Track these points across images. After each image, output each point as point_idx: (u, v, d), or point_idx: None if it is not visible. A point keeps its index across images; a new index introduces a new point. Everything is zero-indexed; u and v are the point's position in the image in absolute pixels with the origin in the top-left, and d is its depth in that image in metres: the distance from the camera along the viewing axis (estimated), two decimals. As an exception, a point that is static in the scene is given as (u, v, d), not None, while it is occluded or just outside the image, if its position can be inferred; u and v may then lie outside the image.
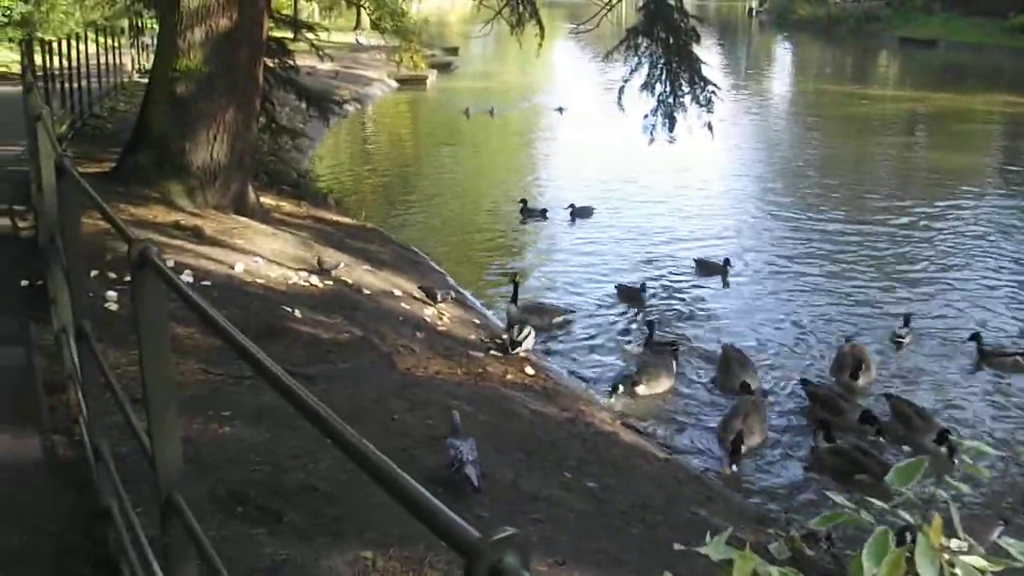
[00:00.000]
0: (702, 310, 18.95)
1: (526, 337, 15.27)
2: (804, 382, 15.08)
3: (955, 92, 54.62)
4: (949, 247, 23.76)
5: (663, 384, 15.25)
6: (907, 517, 4.35)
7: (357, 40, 27.76)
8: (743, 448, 13.44)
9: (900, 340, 17.51)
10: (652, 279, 20.54)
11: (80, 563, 5.94)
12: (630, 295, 19.48)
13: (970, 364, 16.83)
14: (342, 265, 15.96)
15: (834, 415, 13.94)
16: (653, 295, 19.58)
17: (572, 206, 26.18)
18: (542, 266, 22.22)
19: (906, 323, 17.72)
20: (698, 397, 15.21)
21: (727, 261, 21.27)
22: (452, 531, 1.95)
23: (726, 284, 20.71)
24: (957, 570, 3.99)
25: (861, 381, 15.04)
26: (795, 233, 24.82)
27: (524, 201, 26.12)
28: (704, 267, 21.45)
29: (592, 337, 17.57)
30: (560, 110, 44.54)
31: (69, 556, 6.02)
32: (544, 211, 25.91)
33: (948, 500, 4.40)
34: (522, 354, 15.06)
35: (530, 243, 24.16)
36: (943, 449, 13.17)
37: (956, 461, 4.89)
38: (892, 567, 3.85)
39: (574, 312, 18.57)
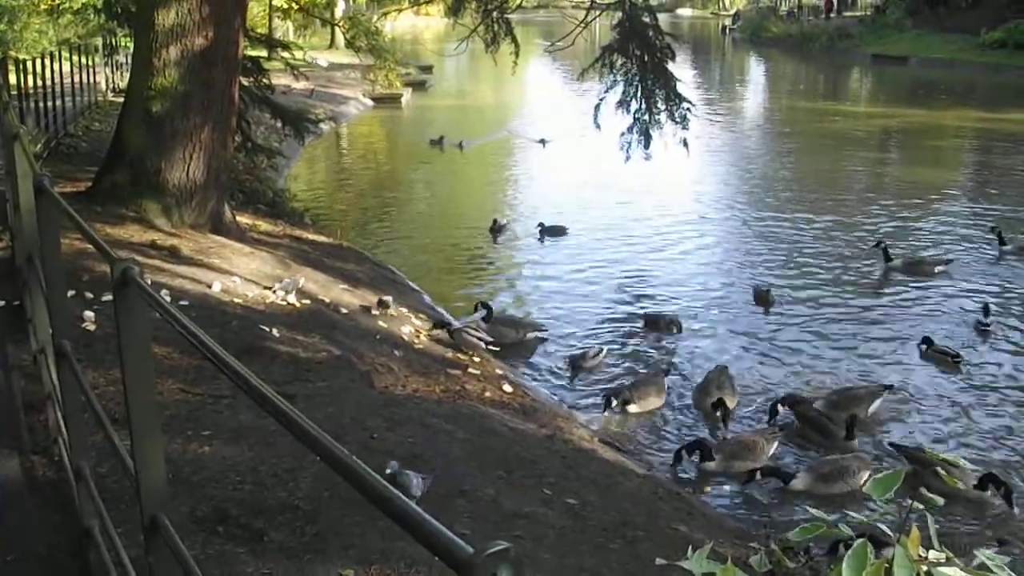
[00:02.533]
0: (693, 330, 18.88)
1: (468, 324, 15.41)
2: (792, 402, 14.86)
3: (927, 108, 54.80)
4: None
5: (653, 402, 15.28)
6: (885, 529, 4.38)
7: (313, 60, 27.33)
8: (728, 411, 14.15)
9: (986, 327, 18.37)
10: (628, 300, 20.65)
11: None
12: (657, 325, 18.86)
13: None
14: (301, 281, 15.94)
15: (823, 436, 13.97)
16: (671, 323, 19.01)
17: (541, 225, 26.04)
18: (515, 284, 22.26)
19: (987, 312, 18.40)
20: (682, 418, 15.19)
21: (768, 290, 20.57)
22: (445, 546, 1.96)
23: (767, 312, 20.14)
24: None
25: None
26: (772, 251, 24.82)
27: (495, 220, 25.96)
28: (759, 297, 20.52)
29: (569, 354, 17.56)
30: (543, 142, 40.47)
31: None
32: (505, 227, 25.87)
33: (926, 511, 4.43)
34: (466, 335, 15.18)
35: (505, 260, 24.12)
36: (855, 443, 13.68)
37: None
38: (872, 579, 3.88)
39: (546, 329, 18.57)
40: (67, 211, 5.40)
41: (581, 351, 17.10)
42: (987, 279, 22.30)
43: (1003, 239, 23.95)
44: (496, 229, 25.62)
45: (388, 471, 8.10)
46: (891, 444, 14.11)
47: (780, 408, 14.68)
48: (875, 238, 23.85)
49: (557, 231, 26.01)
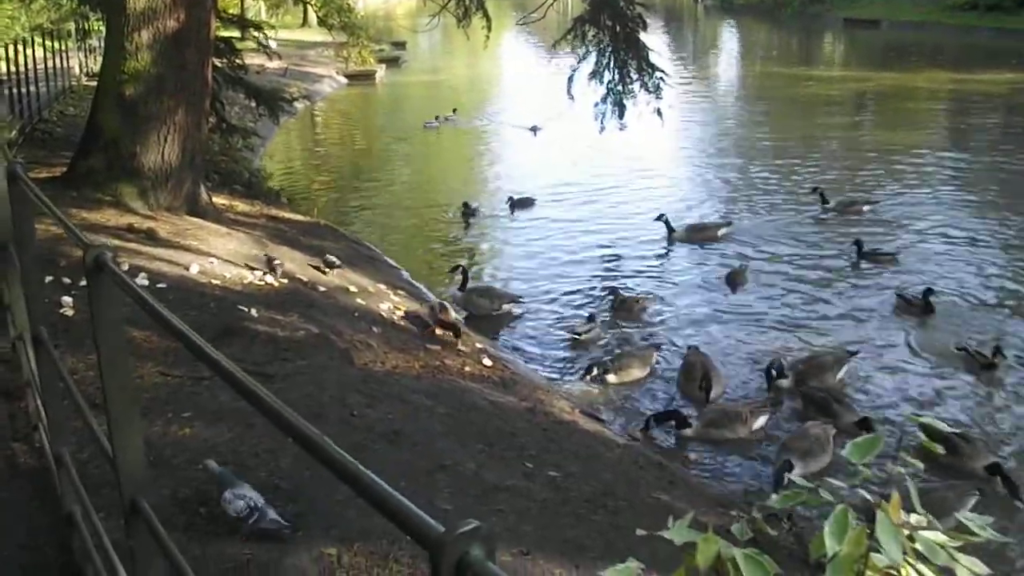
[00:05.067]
0: (669, 305, 18.90)
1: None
2: (798, 383, 14.73)
3: (899, 71, 54.93)
4: (904, 221, 24.07)
5: (634, 374, 15.30)
6: (865, 495, 4.40)
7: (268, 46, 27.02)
8: (712, 391, 14.16)
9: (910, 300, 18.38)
10: (601, 271, 20.88)
11: (49, 571, 5.94)
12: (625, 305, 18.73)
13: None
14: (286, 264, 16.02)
15: (825, 415, 13.89)
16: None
17: (511, 198, 26.27)
18: (493, 257, 22.38)
19: (927, 294, 18.23)
20: (665, 392, 15.14)
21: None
22: (416, 525, 1.97)
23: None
24: (918, 545, 4.05)
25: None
26: (749, 219, 24.88)
27: (465, 204, 25.83)
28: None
29: (547, 325, 17.64)
30: (534, 130, 38.48)
31: (37, 564, 6.01)
32: (477, 210, 25.75)
33: (905, 476, 4.45)
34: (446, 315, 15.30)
35: (482, 235, 24.16)
36: (864, 433, 13.33)
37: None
38: (854, 544, 3.90)
39: (523, 299, 18.61)
40: (40, 197, 5.40)
41: (580, 322, 17.17)
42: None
43: (825, 198, 25.10)
44: (468, 212, 25.54)
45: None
46: (920, 423, 13.90)
47: (774, 373, 14.70)
48: (813, 184, 26.18)
49: (526, 203, 26.29)
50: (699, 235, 22.92)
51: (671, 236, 22.98)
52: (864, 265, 20.70)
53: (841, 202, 25.04)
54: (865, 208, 24.87)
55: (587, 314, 17.83)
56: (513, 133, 38.33)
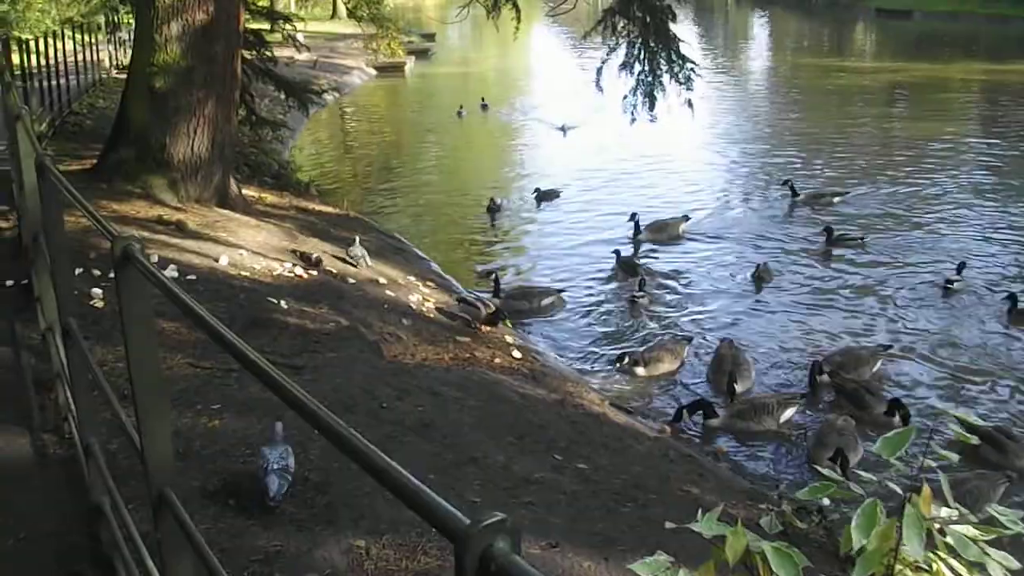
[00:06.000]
0: (697, 300, 18.89)
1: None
2: (831, 373, 14.68)
3: (932, 61, 54.72)
4: (938, 214, 24.08)
5: (663, 367, 15.26)
6: (896, 488, 4.37)
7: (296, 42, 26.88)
8: (736, 388, 14.05)
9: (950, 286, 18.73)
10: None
11: (77, 561, 5.95)
12: (628, 267, 19.39)
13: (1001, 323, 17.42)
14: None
15: (858, 408, 13.82)
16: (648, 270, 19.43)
17: (537, 189, 26.36)
18: (520, 253, 22.35)
19: (959, 271, 18.77)
20: (697, 384, 15.11)
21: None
22: (442, 517, 1.96)
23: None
24: (948, 539, 4.02)
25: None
26: (781, 210, 24.85)
27: (492, 200, 25.60)
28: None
29: (578, 317, 17.64)
30: (563, 129, 36.80)
31: (66, 554, 6.03)
32: (502, 206, 25.59)
33: (937, 469, 4.42)
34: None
35: (509, 230, 24.11)
36: (896, 419, 13.22)
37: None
38: (881, 538, 3.88)
39: (560, 292, 18.55)
40: (68, 189, 5.40)
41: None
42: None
43: (795, 191, 25.52)
44: (493, 208, 25.35)
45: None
46: (963, 423, 13.65)
47: (818, 371, 14.70)
48: (784, 178, 26.36)
49: (551, 195, 26.38)
50: (659, 235, 22.96)
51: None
52: (835, 252, 21.26)
53: (810, 194, 25.41)
54: (835, 200, 25.15)
55: (639, 280, 18.28)
56: (542, 127, 38.07)
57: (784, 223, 23.75)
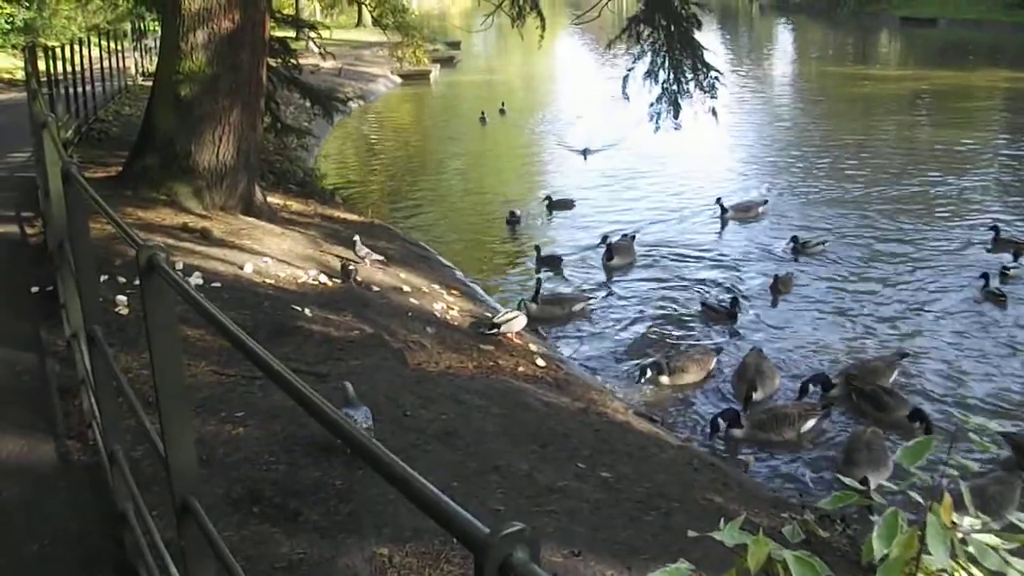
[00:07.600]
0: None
1: (508, 320, 15.26)
2: (847, 379, 14.63)
3: (957, 70, 54.64)
4: (967, 221, 24.12)
5: (688, 377, 15.21)
6: (917, 498, 4.37)
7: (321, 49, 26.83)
8: (755, 395, 14.06)
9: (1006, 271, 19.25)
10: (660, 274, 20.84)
11: (101, 567, 5.98)
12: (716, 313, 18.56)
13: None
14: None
15: (878, 411, 13.80)
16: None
17: (548, 198, 26.37)
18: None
19: (1016, 257, 19.18)
20: (722, 393, 15.09)
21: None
22: (461, 527, 1.97)
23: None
24: (970, 548, 4.01)
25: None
26: (808, 219, 24.83)
27: (512, 212, 25.36)
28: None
29: (600, 326, 17.64)
30: (584, 153, 34.81)
31: (90, 561, 6.06)
32: (522, 218, 25.44)
33: (958, 478, 4.41)
34: (511, 336, 15.08)
35: (529, 239, 24.05)
36: (917, 425, 13.18)
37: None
38: (904, 547, 3.87)
39: (592, 299, 18.66)
40: (93, 197, 5.43)
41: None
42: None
43: (723, 206, 25.02)
44: (512, 220, 25.20)
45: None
46: (1001, 433, 12.95)
47: (811, 387, 14.62)
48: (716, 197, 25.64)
49: (565, 204, 26.44)
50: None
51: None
52: (801, 259, 21.50)
53: (735, 206, 25.29)
54: (760, 210, 25.33)
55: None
56: (562, 151, 37.76)
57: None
